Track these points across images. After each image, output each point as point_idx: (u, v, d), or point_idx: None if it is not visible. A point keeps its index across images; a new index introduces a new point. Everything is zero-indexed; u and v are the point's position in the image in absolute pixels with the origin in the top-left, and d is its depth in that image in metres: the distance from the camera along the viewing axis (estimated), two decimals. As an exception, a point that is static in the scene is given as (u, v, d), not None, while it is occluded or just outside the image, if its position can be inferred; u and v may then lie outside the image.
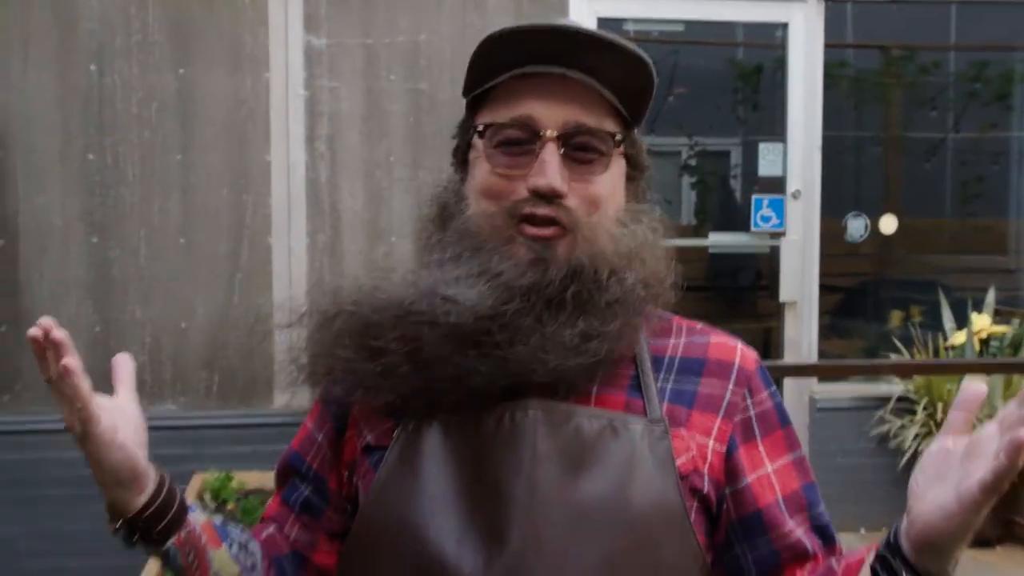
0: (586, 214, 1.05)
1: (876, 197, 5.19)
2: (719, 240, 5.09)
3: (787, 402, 4.69)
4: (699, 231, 5.23)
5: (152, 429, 3.10)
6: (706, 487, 1.07)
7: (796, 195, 4.68)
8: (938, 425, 4.47)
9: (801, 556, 1.08)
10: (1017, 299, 5.23)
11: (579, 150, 1.05)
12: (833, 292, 5.09)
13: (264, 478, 3.74)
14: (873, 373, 4.76)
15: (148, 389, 4.19)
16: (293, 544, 1.21)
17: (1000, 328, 4.73)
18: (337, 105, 4.39)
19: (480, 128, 1.09)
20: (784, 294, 4.74)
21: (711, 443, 1.08)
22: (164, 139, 4.22)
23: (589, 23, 4.42)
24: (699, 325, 1.19)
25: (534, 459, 1.03)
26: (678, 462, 1.05)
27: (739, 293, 5.45)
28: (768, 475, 1.10)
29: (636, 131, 1.14)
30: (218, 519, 1.14)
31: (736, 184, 5.24)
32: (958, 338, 4.76)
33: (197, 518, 1.09)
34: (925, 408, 4.60)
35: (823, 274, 4.81)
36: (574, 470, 1.03)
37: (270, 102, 4.30)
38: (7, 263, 4.12)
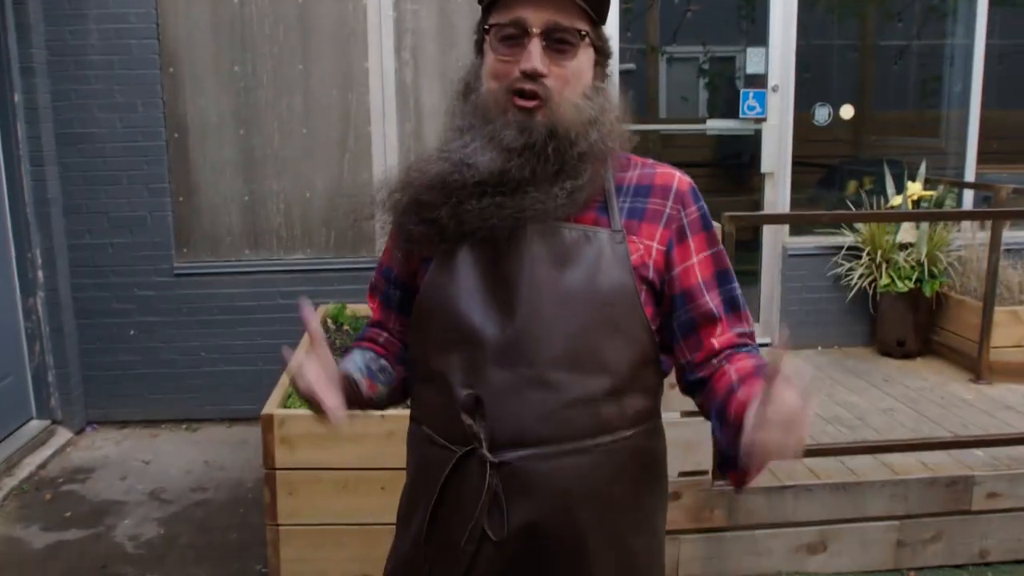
0: (560, 90, 1.27)
1: (843, 93, 5.63)
2: (715, 125, 5.60)
3: (764, 250, 5.58)
4: (702, 120, 5.73)
5: (288, 272, 4.40)
6: (651, 275, 1.33)
7: (775, 89, 5.32)
8: (878, 267, 5.15)
9: (709, 318, 1.35)
10: (945, 172, 5.68)
11: (557, 42, 1.27)
12: (804, 167, 5.52)
13: (368, 308, 4.04)
14: (823, 222, 5.32)
15: (284, 242, 5.00)
16: (400, 335, 1.52)
17: (928, 193, 5.26)
18: (418, 23, 4.89)
19: (487, 27, 1.32)
20: (764, 167, 5.38)
21: (654, 245, 1.34)
22: (289, 53, 4.87)
23: None
24: (650, 160, 1.41)
25: (531, 260, 1.29)
26: (632, 259, 1.31)
27: (732, 167, 5.84)
28: (693, 265, 1.35)
29: (602, 27, 1.35)
30: (366, 367, 1.43)
31: (740, 84, 5.59)
32: (896, 200, 5.27)
33: (361, 380, 1.39)
34: (868, 254, 5.22)
35: (795, 153, 5.37)
36: (560, 266, 1.29)
37: (367, 22, 4.87)
38: (181, 151, 4.89)
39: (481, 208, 1.27)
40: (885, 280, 5.18)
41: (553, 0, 1.26)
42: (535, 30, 1.25)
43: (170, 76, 4.88)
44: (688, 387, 1.40)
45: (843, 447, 3.58)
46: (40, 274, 4.73)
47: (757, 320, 5.55)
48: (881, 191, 5.48)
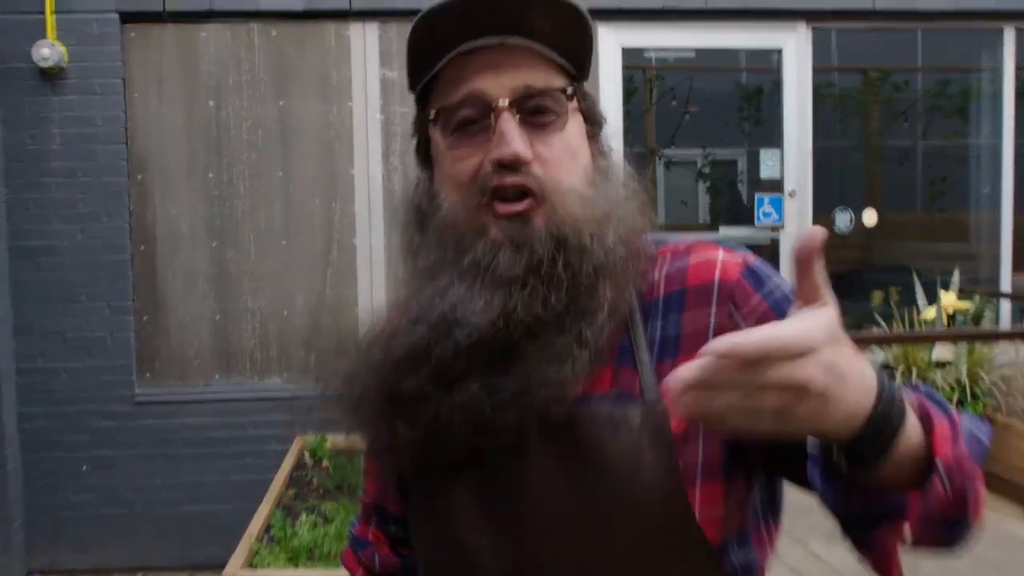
0: (554, 178, 0.93)
1: (858, 195, 5.48)
2: (728, 233, 5.32)
3: None
4: (712, 227, 5.56)
5: (262, 399, 3.93)
6: (701, 452, 0.91)
7: (792, 194, 5.08)
8: None
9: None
10: (977, 279, 5.45)
11: (534, 113, 0.95)
12: (825, 276, 5.44)
13: (351, 440, 4.25)
14: (858, 345, 5.14)
15: (259, 366, 4.67)
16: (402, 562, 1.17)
17: (964, 304, 4.99)
18: (408, 126, 4.61)
19: (432, 117, 0.98)
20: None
21: None
22: (268, 159, 4.66)
23: (615, 53, 4.89)
24: (683, 245, 1.02)
25: (541, 471, 0.94)
26: (674, 433, 0.91)
27: None
28: None
29: (584, 84, 1.03)
30: None
31: (742, 187, 5.51)
32: (929, 313, 4.99)
33: None
34: (902, 374, 4.83)
35: None
36: (579, 475, 0.92)
37: (353, 125, 4.69)
38: (147, 263, 4.61)
39: (471, 399, 0.91)
40: None
41: (517, 57, 0.94)
42: (502, 102, 0.92)
43: (138, 184, 4.63)
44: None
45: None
46: (-17, 403, 4.32)
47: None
48: (911, 302, 5.22)
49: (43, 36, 4.35)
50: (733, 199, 5.61)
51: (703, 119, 5.56)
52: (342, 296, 4.74)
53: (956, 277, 5.16)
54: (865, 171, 5.63)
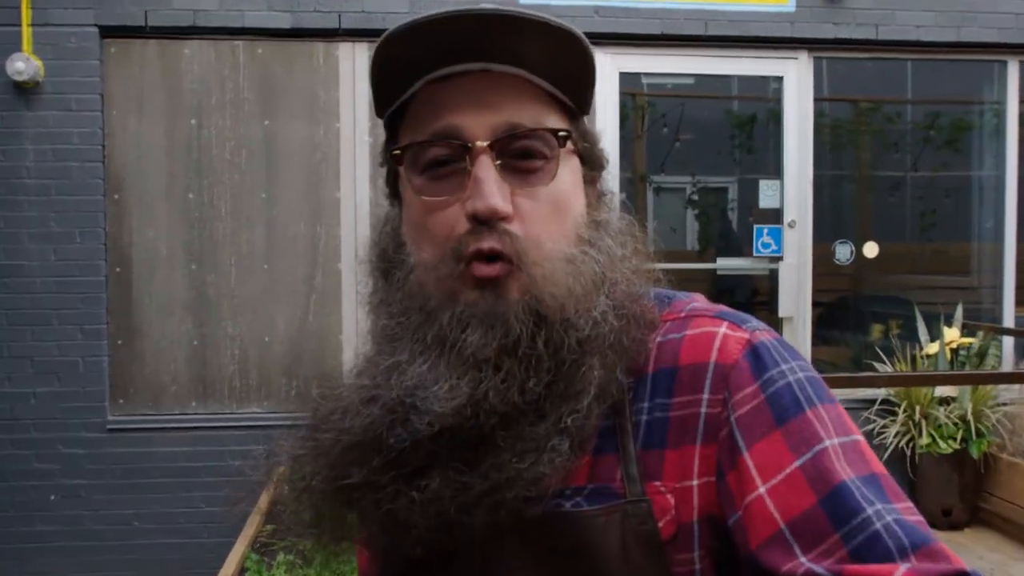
0: (536, 238, 0.81)
1: (859, 226, 5.42)
2: (725, 264, 5.32)
3: None
4: (701, 256, 5.49)
5: (240, 428, 3.77)
6: (697, 544, 0.80)
7: (792, 224, 5.01)
8: (916, 425, 4.74)
9: None
10: (979, 313, 5.36)
11: (519, 157, 0.82)
12: (824, 308, 5.25)
13: None
14: (859, 385, 4.81)
15: (238, 393, 4.55)
16: None
17: (967, 339, 4.92)
18: None
19: (397, 151, 0.86)
20: (782, 310, 5.01)
21: (694, 483, 0.80)
22: (251, 180, 4.58)
23: (613, 78, 4.85)
24: (684, 311, 0.88)
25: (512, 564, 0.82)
26: (660, 527, 0.80)
27: (743, 310, 5.70)
28: (761, 498, 0.75)
29: (584, 121, 0.90)
30: None
31: (733, 215, 5.46)
32: (932, 348, 4.91)
33: None
34: (905, 410, 4.80)
35: (815, 292, 5.05)
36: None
37: (340, 147, 4.61)
38: (123, 286, 4.51)
39: (432, 497, 0.79)
40: (925, 440, 4.75)
41: (504, 88, 0.82)
42: (480, 143, 0.80)
43: (115, 203, 4.53)
44: None
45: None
46: (-54, 429, 4.17)
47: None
48: (912, 336, 5.17)
49: (18, 49, 4.27)
50: (724, 227, 5.55)
51: (694, 146, 5.49)
52: (325, 323, 4.63)
53: (959, 312, 5.10)
54: (866, 202, 5.56)
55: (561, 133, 0.83)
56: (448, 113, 0.81)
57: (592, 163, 0.89)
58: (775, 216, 5.10)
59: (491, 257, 0.79)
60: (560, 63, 0.82)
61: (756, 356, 0.81)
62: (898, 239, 5.56)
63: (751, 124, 5.33)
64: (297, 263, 4.63)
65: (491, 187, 0.78)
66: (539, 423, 0.79)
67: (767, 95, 5.22)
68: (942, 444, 4.71)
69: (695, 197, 5.54)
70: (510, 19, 0.78)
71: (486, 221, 0.79)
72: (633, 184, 5.32)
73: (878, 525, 0.70)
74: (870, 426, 4.94)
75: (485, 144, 0.80)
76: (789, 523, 0.72)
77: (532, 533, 0.80)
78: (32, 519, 4.43)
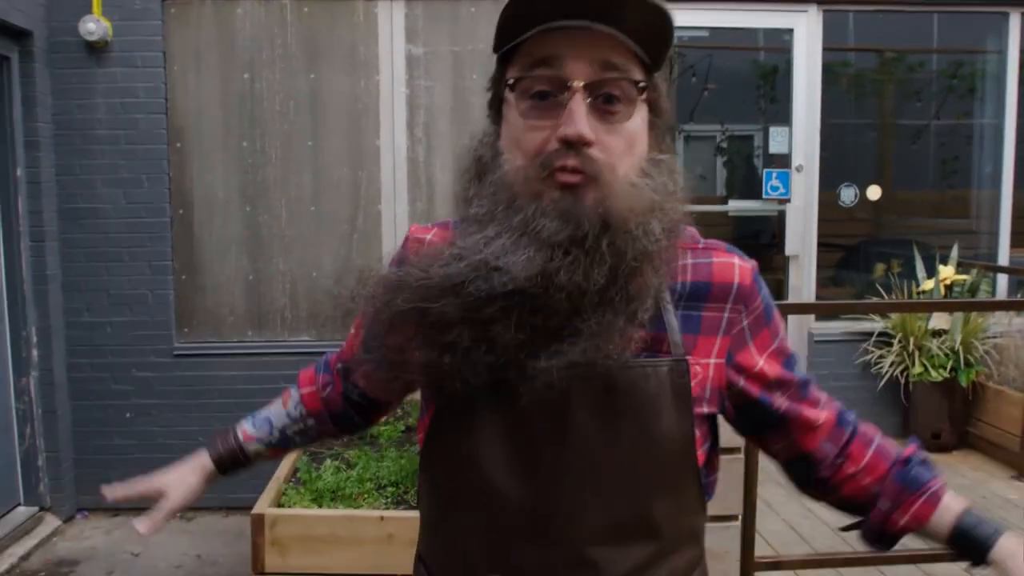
0: (611, 164, 0.99)
1: (866, 172, 5.55)
2: (737, 206, 5.55)
3: (790, 336, 5.37)
4: (724, 201, 5.70)
5: (292, 354, 4.19)
6: (708, 403, 1.10)
7: (799, 169, 5.23)
8: (910, 355, 4.99)
9: (793, 421, 1.16)
10: (977, 255, 5.57)
11: (605, 100, 1.00)
12: (829, 249, 5.42)
13: None
14: (856, 312, 5.16)
15: (289, 324, 4.86)
16: (350, 404, 1.35)
17: (961, 276, 5.14)
18: (432, 99, 4.84)
19: (511, 81, 1.02)
20: (789, 249, 5.26)
21: (711, 361, 1.10)
22: (299, 129, 4.81)
23: None
24: (700, 241, 1.14)
25: (574, 414, 1.03)
26: (692, 384, 1.07)
27: (754, 249, 5.65)
28: (760, 369, 1.13)
29: (657, 75, 1.07)
30: (278, 434, 1.39)
31: (758, 162, 5.57)
32: (928, 285, 5.16)
33: (261, 452, 1.39)
34: (900, 341, 5.06)
35: (820, 233, 5.26)
36: (609, 418, 1.03)
37: (379, 98, 4.82)
38: (185, 227, 4.80)
39: (503, 340, 0.97)
40: (918, 369, 5.02)
41: (600, 42, 0.98)
42: (577, 83, 0.97)
43: (177, 151, 4.81)
44: (798, 481, 1.25)
45: (882, 555, 3.29)
46: (35, 353, 4.57)
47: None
48: (911, 274, 5.37)
49: (89, 12, 4.52)
50: (749, 173, 5.68)
51: (721, 95, 5.61)
52: (367, 260, 4.84)
53: (955, 252, 5.28)
54: (877, 149, 5.70)
55: (640, 84, 1.01)
56: (554, 57, 0.98)
57: (658, 112, 1.06)
58: (784, 161, 5.29)
59: (573, 170, 0.96)
60: (646, 29, 0.99)
61: (757, 278, 1.14)
62: (904, 185, 5.69)
63: (773, 74, 5.48)
64: (341, 205, 4.87)
65: (581, 118, 0.96)
66: (604, 310, 0.97)
67: (783, 46, 5.33)
68: (933, 373, 4.94)
69: (724, 145, 5.73)
70: None
71: (573, 144, 0.96)
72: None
73: (802, 375, 1.17)
74: (868, 356, 5.17)
75: (580, 84, 0.97)
76: (776, 378, 1.14)
77: (594, 381, 1.00)
78: (111, 434, 4.79)
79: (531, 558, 1.05)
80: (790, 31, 5.23)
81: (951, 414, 5.06)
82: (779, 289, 5.43)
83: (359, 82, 4.85)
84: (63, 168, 4.68)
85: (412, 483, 3.18)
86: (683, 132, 5.60)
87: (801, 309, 5.00)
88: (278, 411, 1.38)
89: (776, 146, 5.33)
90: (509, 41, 1.02)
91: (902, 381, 5.11)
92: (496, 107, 1.07)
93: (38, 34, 4.46)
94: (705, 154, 5.81)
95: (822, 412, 1.17)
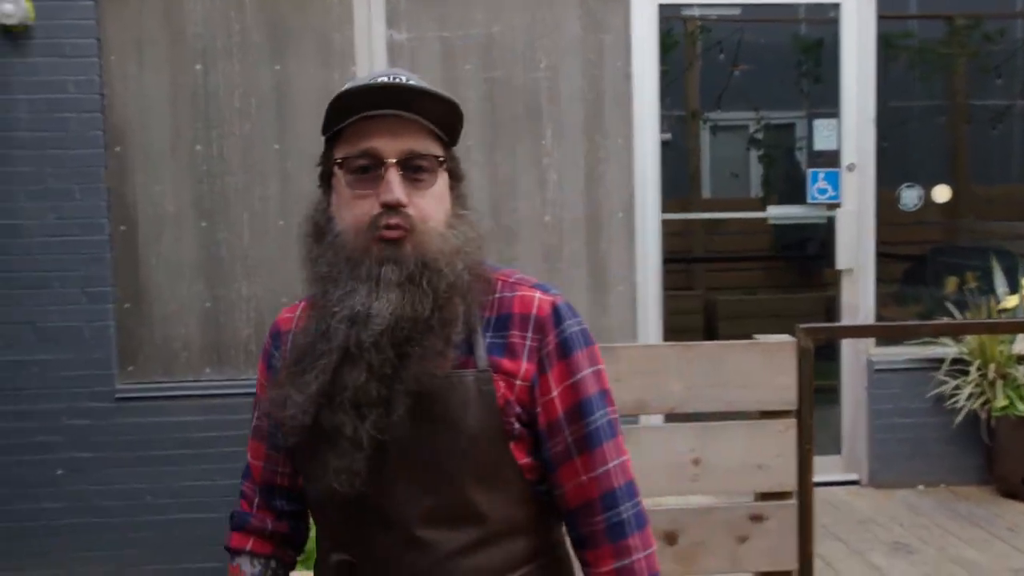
0: (422, 220, 1.30)
1: (934, 167, 5.10)
2: (777, 212, 5.14)
3: (844, 363, 4.83)
4: (765, 204, 5.26)
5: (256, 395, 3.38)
6: (519, 414, 1.35)
7: (851, 167, 4.75)
8: (991, 385, 4.56)
9: (564, 459, 1.37)
10: None
11: (413, 171, 1.31)
12: (890, 260, 5.04)
13: None
14: (924, 334, 4.78)
15: (254, 359, 4.36)
16: (289, 499, 1.52)
17: None
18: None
19: (339, 160, 1.34)
20: (841, 262, 4.80)
21: (517, 381, 1.36)
22: (263, 130, 4.45)
23: (651, 12, 4.51)
24: (512, 276, 1.43)
25: (400, 418, 1.29)
26: (498, 399, 1.34)
27: (799, 262, 5.37)
28: (552, 399, 1.37)
29: (453, 150, 1.40)
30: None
31: (801, 156, 5.16)
32: (1010, 302, 4.72)
33: None
34: (979, 369, 4.62)
35: (879, 243, 4.83)
36: (426, 419, 1.31)
37: None
38: (128, 246, 4.38)
39: (380, 378, 1.30)
40: (1002, 401, 4.61)
41: (407, 128, 1.32)
42: (391, 160, 1.31)
43: (116, 157, 4.37)
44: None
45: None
46: (-56, 400, 4.13)
47: (838, 452, 4.99)
48: (990, 289, 4.98)
49: None
50: (789, 170, 5.31)
51: (754, 78, 5.16)
52: None
53: None
54: (941, 137, 5.26)
55: (440, 158, 1.34)
56: (371, 139, 1.31)
57: (457, 177, 1.39)
58: (832, 158, 4.86)
59: (394, 227, 1.29)
60: (442, 115, 1.33)
61: (557, 314, 1.38)
62: (979, 179, 5.29)
63: (817, 51, 5.05)
64: (313, 219, 4.44)
65: (397, 186, 1.29)
66: (427, 334, 1.29)
67: (828, 17, 4.91)
68: (1020, 406, 4.57)
69: (759, 136, 5.33)
70: (418, 91, 1.30)
71: (392, 207, 1.29)
72: (684, 123, 5.07)
73: (597, 426, 1.37)
74: (941, 388, 4.76)
75: (393, 161, 1.30)
76: (564, 413, 1.37)
77: (417, 394, 1.29)
78: (36, 495, 4.34)
79: (373, 541, 1.36)
80: (836, 6, 4.72)
81: (1045, 455, 4.63)
82: (830, 308, 5.06)
83: (333, 74, 4.50)
84: (-23, 178, 4.27)
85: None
86: (708, 121, 5.19)
87: (857, 332, 4.69)
88: None
89: (823, 142, 4.84)
90: (335, 126, 1.36)
91: (983, 416, 4.71)
92: (327, 180, 1.41)
93: (-58, 17, 4.07)
94: (736, 147, 5.43)
95: (592, 478, 1.38)
